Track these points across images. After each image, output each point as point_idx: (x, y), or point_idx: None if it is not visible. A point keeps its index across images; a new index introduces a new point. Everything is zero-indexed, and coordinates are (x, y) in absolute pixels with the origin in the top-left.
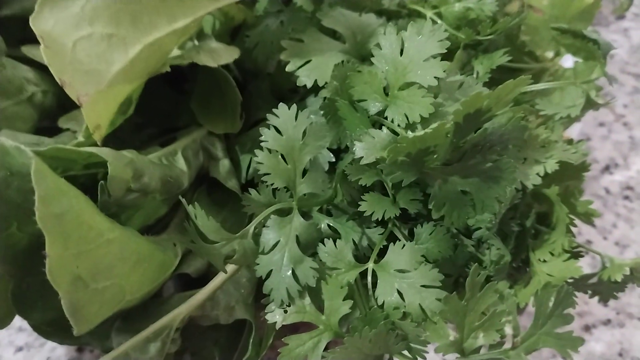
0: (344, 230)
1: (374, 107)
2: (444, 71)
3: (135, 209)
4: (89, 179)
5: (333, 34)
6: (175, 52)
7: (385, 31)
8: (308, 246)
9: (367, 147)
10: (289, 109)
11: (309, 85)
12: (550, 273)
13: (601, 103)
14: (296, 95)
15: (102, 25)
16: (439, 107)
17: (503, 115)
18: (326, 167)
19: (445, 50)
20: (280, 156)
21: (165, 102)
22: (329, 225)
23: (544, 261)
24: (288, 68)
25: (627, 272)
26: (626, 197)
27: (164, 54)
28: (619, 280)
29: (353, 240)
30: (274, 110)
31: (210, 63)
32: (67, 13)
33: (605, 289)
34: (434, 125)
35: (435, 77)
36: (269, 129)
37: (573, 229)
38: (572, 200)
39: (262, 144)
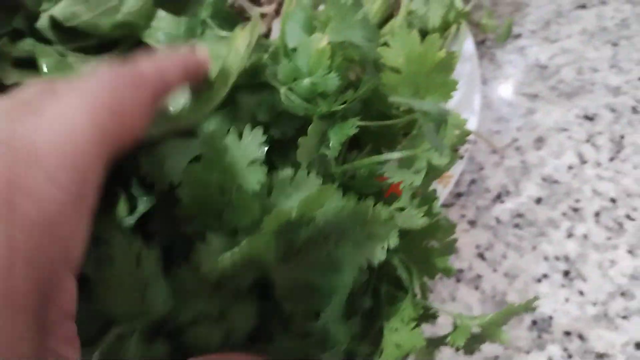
0: None
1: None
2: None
3: None
4: None
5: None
6: None
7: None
8: None
9: (205, 256)
10: None
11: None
12: (399, 343)
13: (444, 172)
14: None
15: None
16: (272, 207)
17: (336, 206)
18: None
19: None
20: None
21: None
22: None
23: (396, 330)
24: None
25: (477, 331)
26: (516, 225)
27: None
28: (462, 345)
29: None
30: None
31: None
32: None
33: (466, 343)
34: (244, 242)
35: (258, 182)
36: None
37: (464, 262)
38: (430, 259)
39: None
